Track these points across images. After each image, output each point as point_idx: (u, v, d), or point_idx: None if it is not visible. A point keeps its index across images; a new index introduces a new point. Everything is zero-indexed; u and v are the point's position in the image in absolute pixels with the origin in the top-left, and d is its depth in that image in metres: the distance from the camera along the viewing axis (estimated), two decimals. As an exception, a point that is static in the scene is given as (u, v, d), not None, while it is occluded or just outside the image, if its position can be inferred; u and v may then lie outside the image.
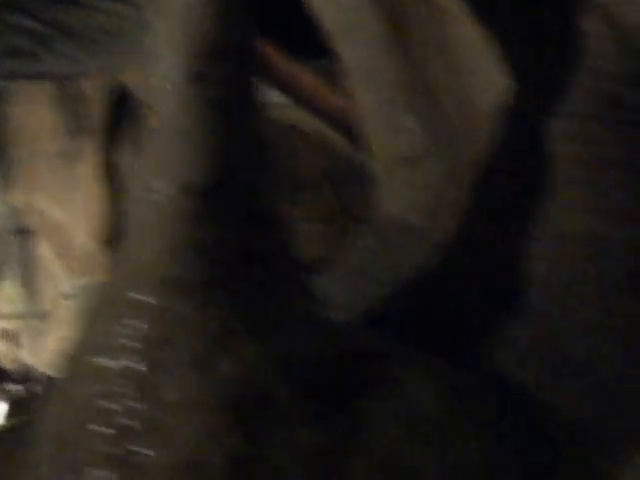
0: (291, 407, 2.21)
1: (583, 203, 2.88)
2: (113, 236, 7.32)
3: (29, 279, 7.83)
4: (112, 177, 7.15)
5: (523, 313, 2.76)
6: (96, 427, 2.18)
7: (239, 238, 2.43)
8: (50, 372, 8.19)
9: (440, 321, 2.81)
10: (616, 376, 2.56)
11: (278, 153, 6.34)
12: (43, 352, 8.08)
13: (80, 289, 7.68)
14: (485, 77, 3.23)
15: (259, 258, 2.45)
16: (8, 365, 8.59)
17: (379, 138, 3.64)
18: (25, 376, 8.84)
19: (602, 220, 2.85)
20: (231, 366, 2.18)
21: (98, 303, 2.45)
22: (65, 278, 7.63)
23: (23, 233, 7.75)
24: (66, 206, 7.27)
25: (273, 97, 5.49)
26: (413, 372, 2.47)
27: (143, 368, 2.19)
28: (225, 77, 2.60)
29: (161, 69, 2.56)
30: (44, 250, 7.60)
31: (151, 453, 2.09)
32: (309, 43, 4.64)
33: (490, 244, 2.95)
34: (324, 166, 6.00)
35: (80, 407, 2.26)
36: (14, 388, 9.59)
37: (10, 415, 10.07)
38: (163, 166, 2.49)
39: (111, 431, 2.15)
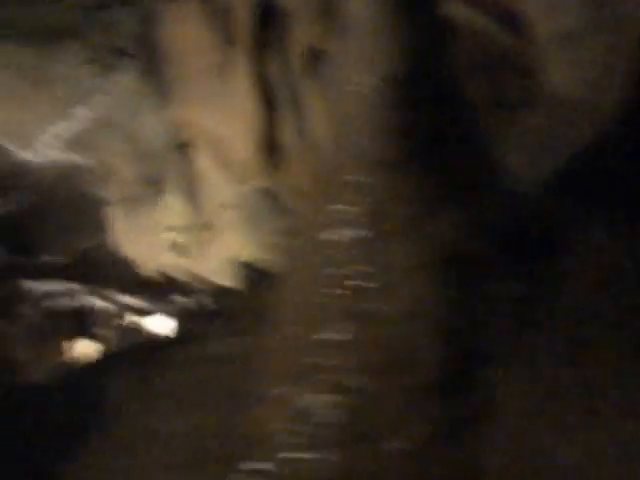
0: (491, 264, 2.69)
1: None
2: (268, 143, 7.86)
3: (192, 192, 8.47)
4: (263, 86, 7.65)
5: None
6: (334, 290, 2.74)
7: (432, 120, 2.90)
8: (218, 280, 8.99)
9: (616, 182, 3.19)
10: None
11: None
12: (210, 261, 8.80)
13: (241, 197, 8.27)
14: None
15: (450, 137, 2.91)
16: (178, 276, 9.41)
17: (541, 17, 3.94)
18: (193, 287, 9.66)
19: None
20: (440, 229, 2.68)
21: (316, 186, 3.00)
22: (225, 188, 8.23)
23: (182, 148, 8.38)
24: (222, 118, 7.81)
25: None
26: (596, 231, 2.90)
27: (369, 237, 2.72)
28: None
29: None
30: (204, 162, 8.21)
31: (381, 307, 2.64)
32: None
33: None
34: (476, 55, 6.27)
35: (317, 275, 2.83)
36: (182, 300, 10.54)
37: (179, 327, 11.10)
38: (363, 61, 2.99)
39: (346, 292, 2.71)
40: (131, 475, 3.74)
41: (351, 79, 2.94)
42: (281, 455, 2.71)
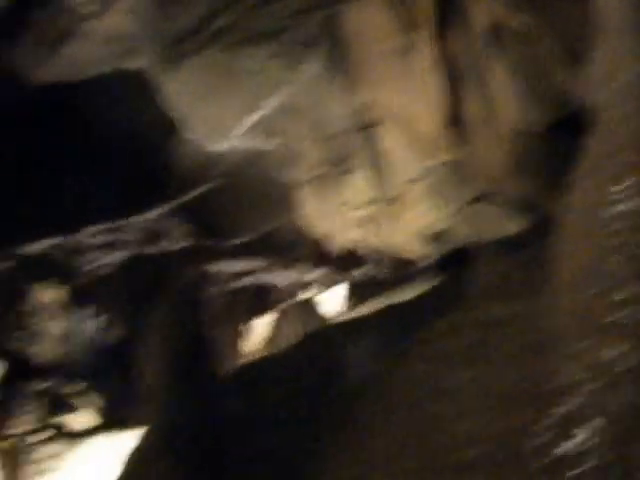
0: None
1: None
2: (453, 118, 8.27)
3: (378, 169, 8.97)
4: (447, 64, 8.05)
5: None
6: (618, 256, 3.16)
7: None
8: (406, 252, 9.48)
9: None
10: None
11: None
12: (398, 234, 9.30)
13: (427, 171, 8.71)
14: None
15: None
16: (366, 251, 9.95)
17: None
18: (380, 260, 10.16)
19: None
20: None
21: (599, 167, 3.44)
22: (412, 163, 8.70)
23: (367, 128, 8.89)
24: (408, 97, 8.28)
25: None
26: None
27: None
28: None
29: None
30: (390, 140, 8.69)
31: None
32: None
33: None
34: None
35: (604, 246, 3.26)
36: (358, 272, 11.08)
37: (352, 297, 11.65)
38: (623, 57, 3.38)
39: (636, 257, 3.11)
40: (427, 424, 4.27)
41: (613, 73, 3.36)
42: (580, 401, 3.14)
